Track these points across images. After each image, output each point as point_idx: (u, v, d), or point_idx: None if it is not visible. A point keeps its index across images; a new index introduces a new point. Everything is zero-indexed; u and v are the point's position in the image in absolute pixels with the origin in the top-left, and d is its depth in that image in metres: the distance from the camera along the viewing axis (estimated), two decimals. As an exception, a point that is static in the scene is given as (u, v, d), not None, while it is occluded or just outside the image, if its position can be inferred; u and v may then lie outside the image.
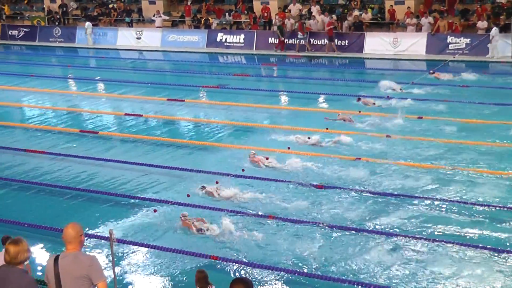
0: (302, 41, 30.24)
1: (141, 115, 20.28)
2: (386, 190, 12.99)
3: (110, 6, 37.39)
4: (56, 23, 36.46)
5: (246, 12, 34.30)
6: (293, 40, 30.93)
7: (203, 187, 13.19)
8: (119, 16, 36.34)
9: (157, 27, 34.44)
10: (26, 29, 36.48)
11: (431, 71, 24.36)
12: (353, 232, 11.16)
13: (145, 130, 18.72)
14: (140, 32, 34.27)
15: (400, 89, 21.77)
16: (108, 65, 29.70)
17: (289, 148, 15.91)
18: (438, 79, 23.68)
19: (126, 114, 20.58)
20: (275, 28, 31.61)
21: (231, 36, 32.41)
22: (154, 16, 34.68)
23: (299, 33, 30.20)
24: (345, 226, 11.39)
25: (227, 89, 23.53)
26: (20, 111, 22.27)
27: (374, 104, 20.00)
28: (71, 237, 6.50)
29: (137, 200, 13.12)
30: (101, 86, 25.69)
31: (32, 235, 11.65)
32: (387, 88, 21.89)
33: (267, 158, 14.88)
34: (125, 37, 34.52)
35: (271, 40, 31.47)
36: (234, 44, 32.16)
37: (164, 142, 17.41)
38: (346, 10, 31.99)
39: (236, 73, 26.62)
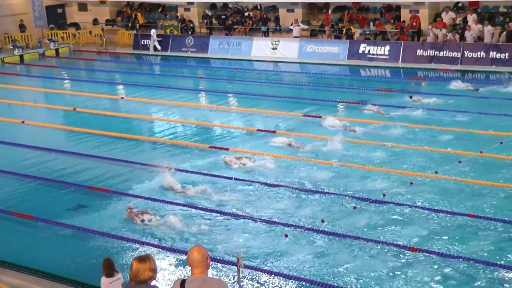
0: None
1: (274, 132, 20.66)
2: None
3: (246, 14, 38.43)
4: (189, 32, 38.02)
5: (392, 21, 34.03)
6: (446, 52, 30.21)
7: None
8: (254, 25, 37.29)
9: (295, 36, 34.95)
10: (158, 39, 38.33)
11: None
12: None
13: (277, 148, 19.04)
14: (276, 42, 34.95)
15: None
16: (241, 77, 30.52)
17: (436, 172, 16.01)
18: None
19: (258, 130, 21.05)
20: (428, 38, 31.08)
21: (375, 48, 32.25)
22: (292, 25, 35.25)
23: None
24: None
25: (368, 105, 23.39)
26: (150, 124, 23.39)
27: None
28: (197, 261, 6.64)
29: (257, 223, 13.45)
30: (233, 99, 26.46)
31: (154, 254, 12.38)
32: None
33: None
34: (260, 47, 35.31)
35: (419, 52, 30.96)
36: (378, 56, 31.97)
37: (298, 162, 17.69)
38: (508, 19, 30.86)
39: (379, 88, 26.41)
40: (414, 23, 32.48)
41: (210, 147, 19.48)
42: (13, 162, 19.24)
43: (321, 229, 13.42)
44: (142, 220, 14.00)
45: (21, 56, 37.70)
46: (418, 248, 12.29)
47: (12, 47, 37.94)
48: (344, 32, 33.95)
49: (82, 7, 43.86)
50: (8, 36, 39.84)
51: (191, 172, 17.26)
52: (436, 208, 14.19)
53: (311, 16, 37.31)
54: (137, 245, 13.11)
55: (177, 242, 13.22)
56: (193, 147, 19.59)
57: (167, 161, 17.38)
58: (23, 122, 23.65)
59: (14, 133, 22.55)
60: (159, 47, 37.59)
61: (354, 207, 14.39)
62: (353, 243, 12.78)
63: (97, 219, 14.61)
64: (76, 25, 43.19)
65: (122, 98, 27.66)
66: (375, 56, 32.13)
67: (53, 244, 13.78)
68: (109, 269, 10.22)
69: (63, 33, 41.55)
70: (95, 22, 42.78)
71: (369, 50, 32.41)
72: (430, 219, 13.74)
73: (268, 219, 14.15)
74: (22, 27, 40.99)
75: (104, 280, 10.21)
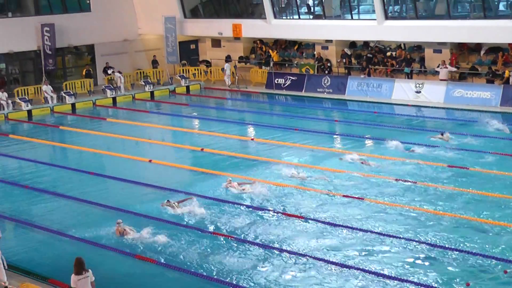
0: None
1: (415, 182, 20.27)
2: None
3: (388, 54, 38.17)
4: (326, 72, 38.23)
5: (555, 63, 32.73)
6: None
7: (168, 201, 18.96)
8: (397, 66, 36.95)
9: (441, 79, 34.31)
10: (293, 78, 38.82)
11: None
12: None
13: (427, 201, 18.82)
14: (421, 85, 34.44)
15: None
16: (380, 122, 30.23)
17: None
18: None
19: (397, 180, 20.69)
20: None
21: (534, 93, 31.09)
22: (438, 66, 34.65)
23: None
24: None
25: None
26: (279, 168, 23.41)
27: None
28: None
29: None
30: (369, 144, 26.21)
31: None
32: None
33: None
34: (402, 90, 34.92)
35: None
36: (537, 103, 30.79)
37: (436, 216, 17.31)
38: None
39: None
40: None
41: (343, 195, 19.32)
42: (137, 202, 19.97)
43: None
44: (122, 233, 16.75)
45: (152, 93, 39.32)
46: None
47: (143, 83, 39.69)
48: (499, 76, 32.96)
49: (216, 43, 45.23)
50: (140, 72, 41.77)
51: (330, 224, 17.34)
52: None
53: (460, 58, 36.47)
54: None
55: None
56: (324, 195, 19.53)
57: (296, 209, 17.40)
58: (150, 161, 24.52)
59: (140, 172, 23.43)
60: (228, 82, 40.23)
61: (505, 272, 13.77)
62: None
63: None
64: (208, 62, 44.58)
65: (252, 139, 28.10)
66: (534, 103, 30.95)
67: None
68: (79, 267, 12.15)
69: (195, 69, 43.05)
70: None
71: (526, 96, 31.28)
72: None
73: (397, 275, 13.98)
74: (154, 63, 42.90)
75: (73, 278, 12.14)
